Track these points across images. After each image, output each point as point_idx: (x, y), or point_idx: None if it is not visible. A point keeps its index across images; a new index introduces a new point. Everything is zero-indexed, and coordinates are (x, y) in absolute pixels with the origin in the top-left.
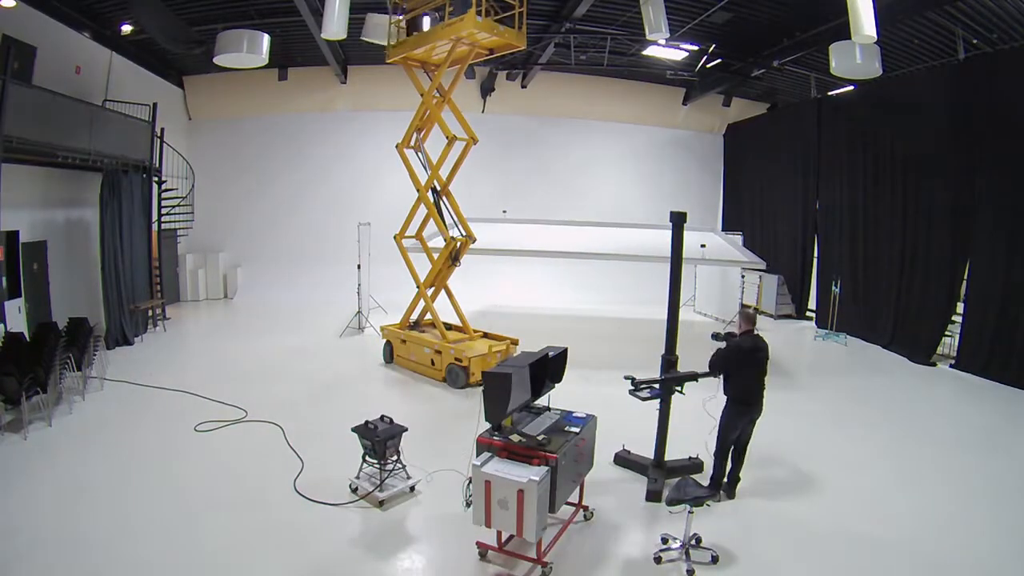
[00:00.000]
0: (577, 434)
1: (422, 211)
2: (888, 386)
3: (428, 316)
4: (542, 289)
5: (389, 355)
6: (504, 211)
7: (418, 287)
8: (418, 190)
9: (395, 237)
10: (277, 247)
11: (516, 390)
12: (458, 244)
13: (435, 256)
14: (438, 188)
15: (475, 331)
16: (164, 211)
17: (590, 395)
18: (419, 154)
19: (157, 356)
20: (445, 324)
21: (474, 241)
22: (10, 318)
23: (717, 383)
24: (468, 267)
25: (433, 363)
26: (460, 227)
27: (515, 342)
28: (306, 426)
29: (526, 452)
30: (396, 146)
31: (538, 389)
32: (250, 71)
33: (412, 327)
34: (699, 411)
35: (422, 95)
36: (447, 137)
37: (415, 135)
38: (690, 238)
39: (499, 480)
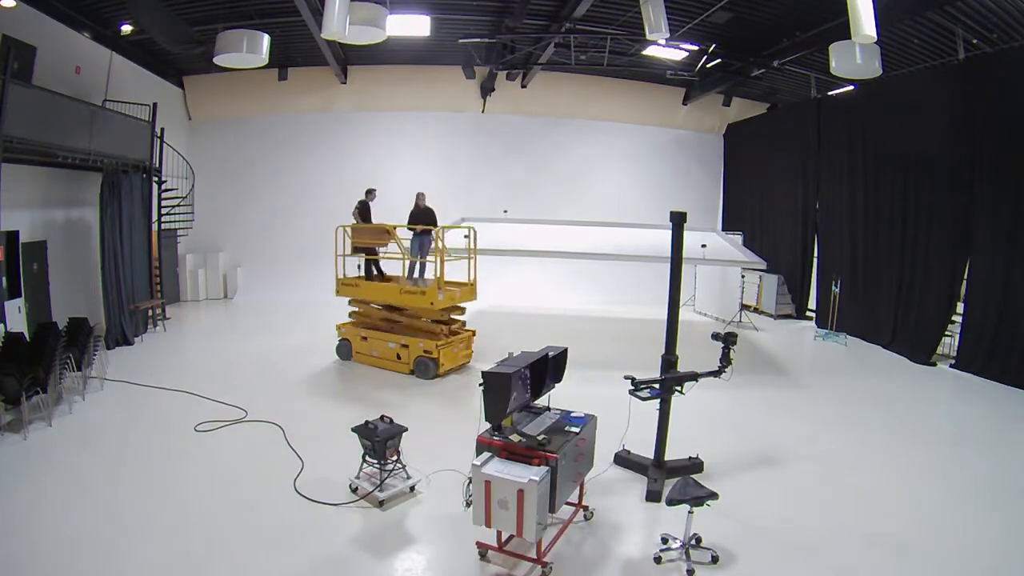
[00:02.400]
0: (577, 434)
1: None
2: (888, 386)
3: None
4: (542, 289)
5: (347, 353)
6: (505, 211)
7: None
8: None
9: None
10: (277, 247)
11: (516, 390)
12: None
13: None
14: None
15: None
16: (164, 211)
17: (590, 395)
18: None
19: (157, 356)
20: None
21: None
22: (10, 318)
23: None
24: (467, 267)
25: (399, 357)
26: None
27: (473, 333)
28: (306, 426)
29: (526, 452)
30: None
31: (538, 389)
32: (250, 71)
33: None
34: (699, 411)
35: None
36: None
37: None
38: (691, 238)
39: (499, 480)
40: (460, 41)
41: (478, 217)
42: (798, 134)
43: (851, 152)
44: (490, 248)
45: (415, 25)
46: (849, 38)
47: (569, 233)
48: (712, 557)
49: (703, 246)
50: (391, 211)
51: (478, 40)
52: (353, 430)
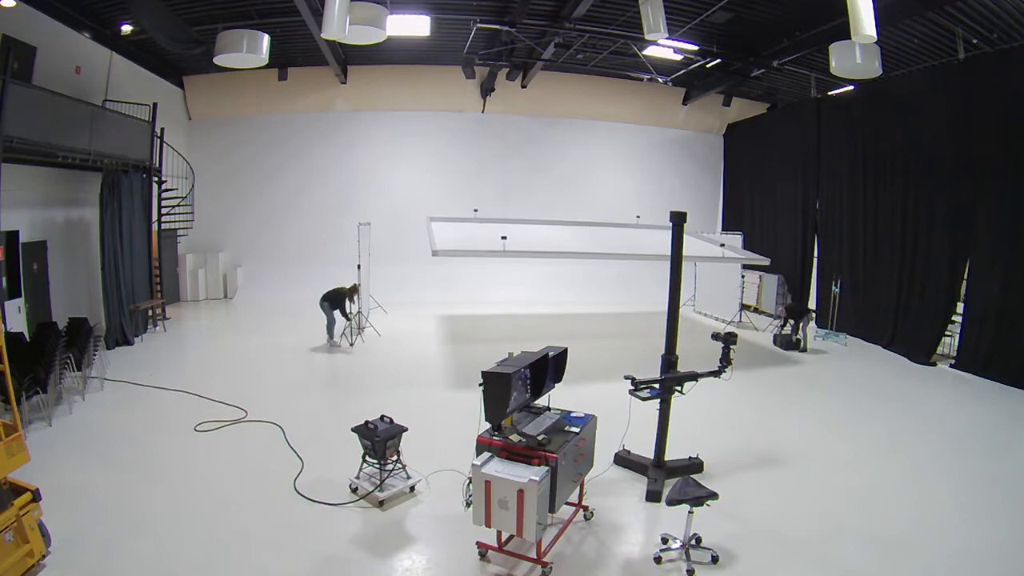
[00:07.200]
0: (577, 434)
1: None
2: (888, 386)
3: None
4: (541, 289)
5: None
6: (475, 210)
7: None
8: None
9: None
10: (277, 247)
11: (516, 390)
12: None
13: None
14: None
15: None
16: (164, 211)
17: (590, 395)
18: None
19: (157, 356)
20: None
21: None
22: (10, 318)
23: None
24: (468, 268)
25: None
26: None
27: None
28: (306, 426)
29: (526, 452)
30: None
31: (538, 389)
32: (250, 71)
33: None
34: (699, 411)
35: None
36: None
37: None
38: (692, 243)
39: (499, 480)
40: (465, 54)
41: (478, 217)
42: (798, 134)
43: (851, 152)
44: (489, 249)
45: (415, 25)
46: (849, 38)
47: (568, 233)
48: (712, 557)
49: (722, 245)
50: (392, 211)
51: (481, 52)
52: (353, 430)
